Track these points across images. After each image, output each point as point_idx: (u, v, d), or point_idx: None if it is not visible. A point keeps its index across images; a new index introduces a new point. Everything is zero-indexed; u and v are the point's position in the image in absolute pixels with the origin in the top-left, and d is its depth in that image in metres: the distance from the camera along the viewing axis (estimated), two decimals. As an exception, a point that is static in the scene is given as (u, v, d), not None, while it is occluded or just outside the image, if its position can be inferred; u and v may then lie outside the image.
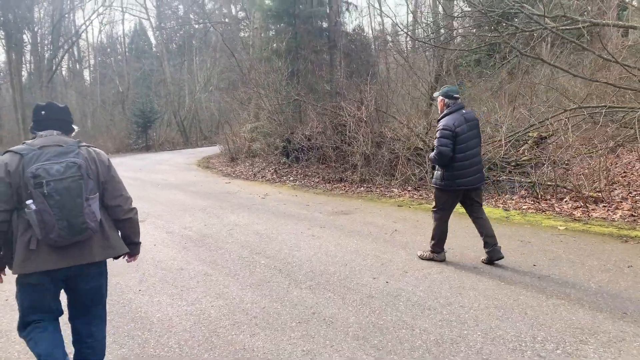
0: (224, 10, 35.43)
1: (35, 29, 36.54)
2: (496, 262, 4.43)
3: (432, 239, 4.64)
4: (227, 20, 30.08)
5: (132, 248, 2.72)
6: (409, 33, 12.31)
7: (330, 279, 4.23)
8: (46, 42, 37.47)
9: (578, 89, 11.02)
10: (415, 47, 18.89)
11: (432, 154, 4.48)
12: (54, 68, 35.78)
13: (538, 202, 7.29)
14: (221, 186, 11.30)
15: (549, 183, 7.63)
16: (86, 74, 47.59)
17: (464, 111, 4.46)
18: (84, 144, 2.42)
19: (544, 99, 11.33)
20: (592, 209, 6.48)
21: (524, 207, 7.02)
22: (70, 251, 2.30)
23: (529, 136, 10.22)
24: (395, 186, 9.37)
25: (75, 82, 43.50)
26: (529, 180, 8.24)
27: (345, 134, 11.28)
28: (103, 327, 2.66)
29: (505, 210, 6.91)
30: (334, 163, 11.08)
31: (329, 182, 10.64)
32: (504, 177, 8.83)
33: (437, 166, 4.52)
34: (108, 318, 2.85)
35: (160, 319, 3.60)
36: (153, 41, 51.13)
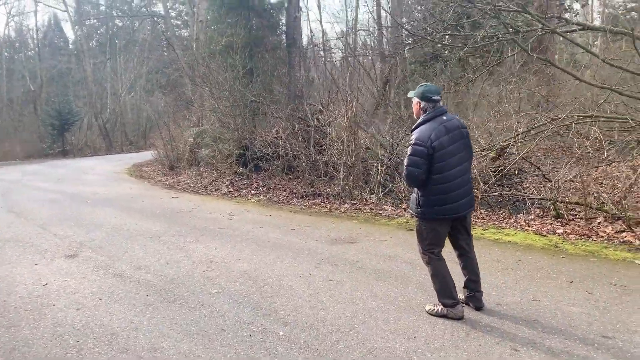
0: (157, 7, 32.58)
1: None
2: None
3: (435, 290, 3.45)
4: (161, 14, 27.47)
5: None
6: (407, 27, 10.98)
7: (411, 369, 2.70)
8: (-61, 30, 32.26)
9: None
10: (347, 54, 18.04)
11: (404, 172, 3.38)
12: (-52, 60, 30.75)
13: (567, 224, 6.26)
14: (168, 202, 9.30)
15: (572, 201, 6.64)
16: (-10, 69, 41.80)
17: (445, 118, 3.31)
18: None
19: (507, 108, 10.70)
20: (642, 233, 5.51)
21: (558, 230, 5.94)
22: None
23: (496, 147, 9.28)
24: (387, 203, 8.02)
25: (-24, 78, 38.00)
26: (541, 197, 7.26)
27: (310, 142, 9.82)
28: None
29: (542, 235, 5.76)
30: (307, 175, 9.51)
31: (303, 198, 9.05)
32: (506, 193, 7.81)
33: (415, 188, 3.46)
34: None
35: None
36: (70, 37, 46.48)
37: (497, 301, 3.67)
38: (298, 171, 10.23)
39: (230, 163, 11.78)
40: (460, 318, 3.33)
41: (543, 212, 6.98)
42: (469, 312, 3.45)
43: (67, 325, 3.49)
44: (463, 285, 3.59)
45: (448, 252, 3.50)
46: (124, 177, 14.42)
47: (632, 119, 6.61)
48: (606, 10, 28.67)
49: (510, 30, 7.84)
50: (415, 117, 3.51)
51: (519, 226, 6.34)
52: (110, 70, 39.82)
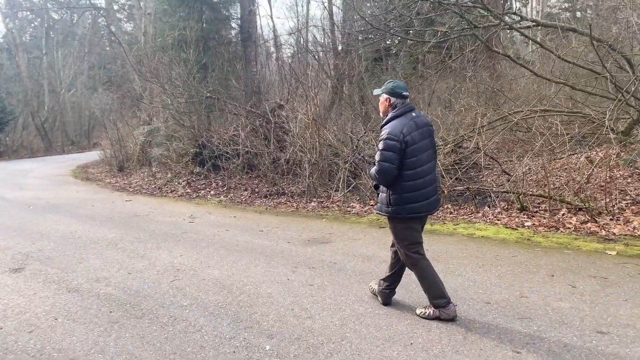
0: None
1: None
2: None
3: (426, 292, 3.33)
4: (102, 7, 26.04)
5: None
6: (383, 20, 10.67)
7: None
8: None
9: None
10: (302, 49, 17.84)
11: (372, 170, 3.28)
12: None
13: (533, 216, 6.37)
14: (121, 205, 8.72)
15: (535, 194, 6.77)
16: None
17: (414, 114, 3.28)
18: None
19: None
20: (605, 224, 5.68)
21: (526, 223, 6.01)
22: None
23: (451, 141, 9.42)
24: (354, 200, 7.88)
25: None
26: (505, 190, 7.37)
27: (271, 139, 9.54)
28: None
29: (512, 229, 5.80)
30: (270, 173, 9.22)
31: (267, 197, 8.75)
32: (472, 187, 7.88)
33: (381, 187, 3.35)
34: None
35: None
36: (1, 30, 43.23)
37: (486, 299, 3.58)
38: (259, 170, 9.92)
39: (185, 162, 11.27)
40: (453, 318, 3.22)
41: (508, 205, 7.09)
42: (460, 313, 3.33)
43: (19, 351, 3.07)
44: (384, 277, 3.56)
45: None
46: (68, 179, 13.47)
47: (594, 115, 6.81)
48: (545, 9, 30.07)
49: (471, 25, 7.92)
50: (382, 114, 3.42)
51: (487, 220, 6.38)
52: (48, 66, 37.38)
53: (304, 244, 5.48)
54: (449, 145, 9.14)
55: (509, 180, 7.77)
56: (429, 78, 11.88)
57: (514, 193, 6.91)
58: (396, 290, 3.57)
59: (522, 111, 7.46)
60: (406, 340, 2.98)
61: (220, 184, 10.16)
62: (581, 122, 7.79)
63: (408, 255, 3.29)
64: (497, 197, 7.36)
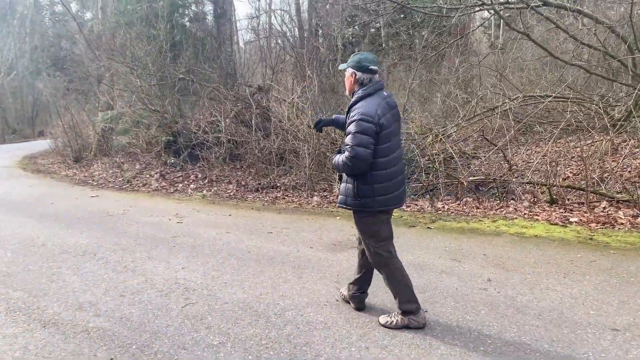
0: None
1: None
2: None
3: (395, 296, 2.90)
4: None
5: None
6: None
7: None
8: None
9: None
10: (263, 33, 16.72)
11: (338, 158, 2.78)
12: None
13: (571, 211, 5.75)
14: (88, 202, 7.44)
15: (573, 186, 6.17)
16: None
17: (385, 93, 2.84)
18: None
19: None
20: (659, 218, 5.12)
21: (571, 219, 5.37)
22: None
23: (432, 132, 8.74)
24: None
25: None
26: (528, 181, 6.75)
27: (259, 126, 8.49)
28: None
29: (562, 225, 5.13)
30: (261, 164, 8.18)
31: (258, 191, 7.73)
32: (495, 178, 7.21)
33: (344, 176, 2.89)
34: None
35: None
36: None
37: (609, 324, 2.82)
38: (243, 160, 8.86)
39: (157, 152, 10.00)
40: (423, 326, 2.84)
41: (533, 197, 6.48)
42: (593, 347, 2.55)
43: None
44: (353, 281, 3.15)
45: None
46: (17, 172, 11.79)
47: (613, 101, 6.28)
48: None
49: (490, 2, 7.23)
50: (348, 92, 2.94)
51: (525, 215, 5.70)
52: (-17, 48, 33.99)
53: (331, 250, 4.56)
54: (449, 133, 8.48)
55: (510, 170, 7.25)
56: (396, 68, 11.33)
57: (545, 185, 6.29)
58: (365, 294, 3.16)
59: (551, 95, 6.83)
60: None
61: (200, 176, 9.01)
62: (586, 108, 7.28)
63: (377, 253, 2.86)
64: (520, 188, 6.75)
